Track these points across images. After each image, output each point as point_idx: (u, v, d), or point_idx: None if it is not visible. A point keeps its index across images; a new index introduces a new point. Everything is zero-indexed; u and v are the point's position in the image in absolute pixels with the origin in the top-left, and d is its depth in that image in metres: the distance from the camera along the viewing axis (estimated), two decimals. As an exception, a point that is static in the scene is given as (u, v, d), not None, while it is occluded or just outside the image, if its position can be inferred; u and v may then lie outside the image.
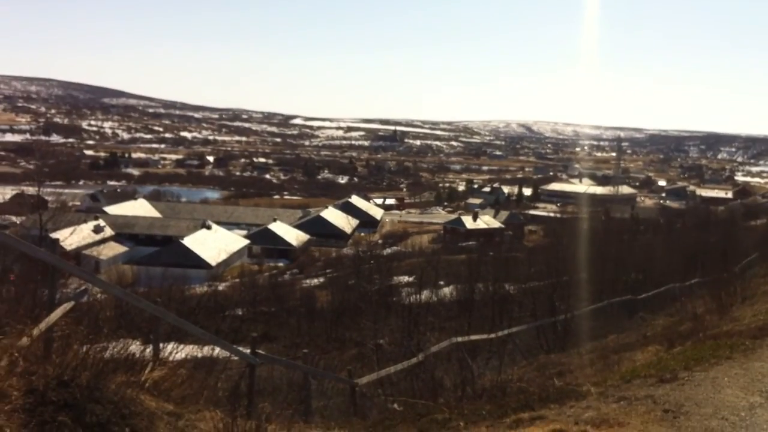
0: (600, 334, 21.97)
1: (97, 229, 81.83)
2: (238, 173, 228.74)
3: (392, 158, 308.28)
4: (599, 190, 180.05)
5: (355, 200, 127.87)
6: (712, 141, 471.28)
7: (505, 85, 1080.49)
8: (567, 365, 16.36)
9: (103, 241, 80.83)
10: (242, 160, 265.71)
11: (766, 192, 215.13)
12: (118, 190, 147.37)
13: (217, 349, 11.17)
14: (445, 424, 7.71)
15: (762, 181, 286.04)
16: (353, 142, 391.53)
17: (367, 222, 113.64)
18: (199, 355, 11.46)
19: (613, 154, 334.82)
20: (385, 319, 29.59)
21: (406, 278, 51.08)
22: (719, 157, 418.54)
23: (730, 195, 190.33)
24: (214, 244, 79.71)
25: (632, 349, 15.75)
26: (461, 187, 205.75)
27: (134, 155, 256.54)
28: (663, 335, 16.14)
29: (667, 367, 9.79)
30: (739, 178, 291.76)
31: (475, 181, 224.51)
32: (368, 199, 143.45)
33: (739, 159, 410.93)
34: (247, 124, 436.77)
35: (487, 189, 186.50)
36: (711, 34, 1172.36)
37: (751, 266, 36.67)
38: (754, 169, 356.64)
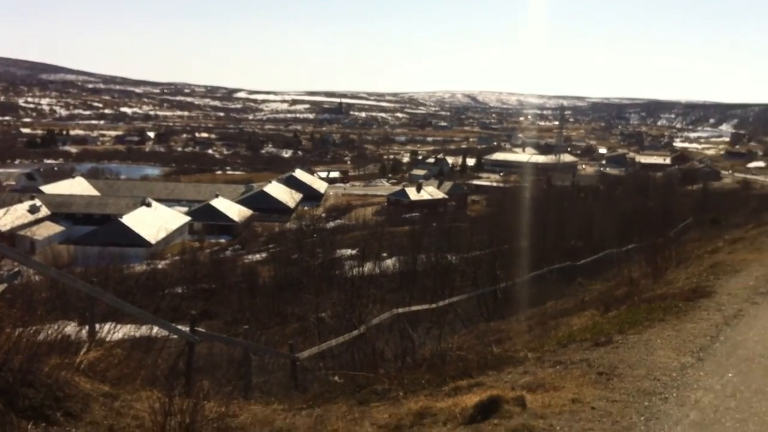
0: (539, 300, 22.21)
1: (33, 209, 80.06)
2: (179, 149, 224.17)
3: (337, 131, 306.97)
4: (541, 158, 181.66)
5: (299, 174, 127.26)
6: (653, 108, 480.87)
7: (450, 56, 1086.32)
8: (506, 332, 16.58)
9: (39, 221, 78.92)
10: (184, 135, 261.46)
11: (703, 158, 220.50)
12: (55, 169, 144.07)
13: (156, 328, 11.02)
14: (384, 395, 7.73)
15: (699, 146, 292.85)
16: (298, 115, 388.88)
17: (311, 196, 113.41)
18: (137, 334, 11.30)
19: (556, 122, 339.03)
20: (328, 292, 29.53)
21: (349, 251, 51.14)
22: (659, 123, 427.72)
23: (668, 161, 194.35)
24: (154, 221, 78.57)
25: (569, 315, 16.01)
26: (406, 159, 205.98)
27: (72, 132, 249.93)
28: (599, 300, 16.38)
29: (602, 331, 9.98)
30: (678, 144, 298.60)
31: (419, 152, 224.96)
32: (312, 173, 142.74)
33: (678, 125, 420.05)
34: (189, 99, 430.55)
35: (431, 160, 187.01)
36: (653, 1, 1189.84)
37: (686, 230, 37.62)
38: (692, 134, 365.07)
